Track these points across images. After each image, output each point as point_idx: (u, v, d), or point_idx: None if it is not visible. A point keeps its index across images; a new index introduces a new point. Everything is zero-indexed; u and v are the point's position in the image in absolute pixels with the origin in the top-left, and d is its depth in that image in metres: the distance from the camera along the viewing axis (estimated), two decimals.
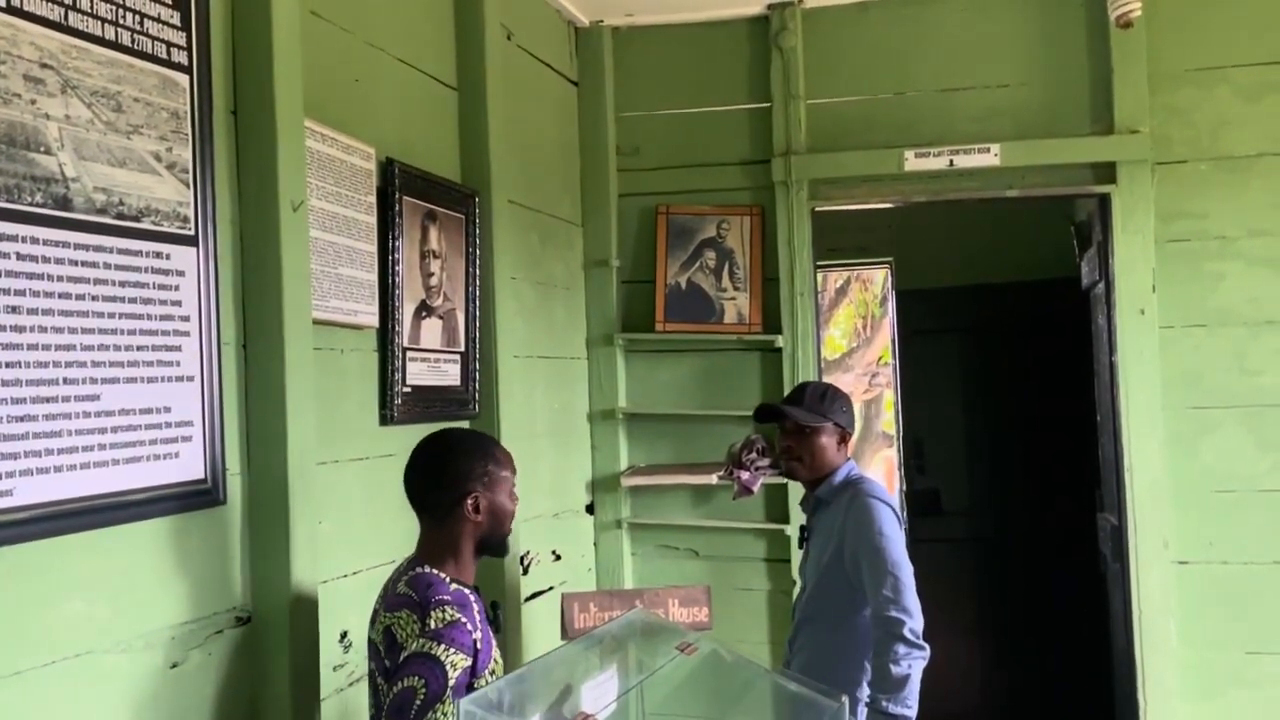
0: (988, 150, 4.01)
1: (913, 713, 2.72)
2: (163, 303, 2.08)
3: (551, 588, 3.82)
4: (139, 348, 2.02)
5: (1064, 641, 5.01)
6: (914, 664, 2.73)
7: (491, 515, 2.23)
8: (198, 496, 2.15)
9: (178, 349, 2.11)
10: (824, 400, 3.03)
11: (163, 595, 2.07)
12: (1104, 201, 3.97)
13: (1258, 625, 3.79)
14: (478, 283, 3.28)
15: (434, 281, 3.06)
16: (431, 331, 3.05)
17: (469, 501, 2.20)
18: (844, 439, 3.04)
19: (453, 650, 2.04)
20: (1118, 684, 4.22)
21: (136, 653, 2.00)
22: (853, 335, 13.62)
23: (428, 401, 3.02)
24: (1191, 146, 3.88)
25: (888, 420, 10.91)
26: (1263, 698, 3.77)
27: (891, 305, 5.87)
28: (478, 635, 2.11)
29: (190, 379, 2.13)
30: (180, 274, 2.12)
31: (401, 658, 2.04)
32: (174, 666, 2.08)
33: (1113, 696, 4.34)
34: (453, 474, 2.22)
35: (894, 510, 2.95)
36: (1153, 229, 3.88)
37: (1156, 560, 3.84)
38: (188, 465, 2.12)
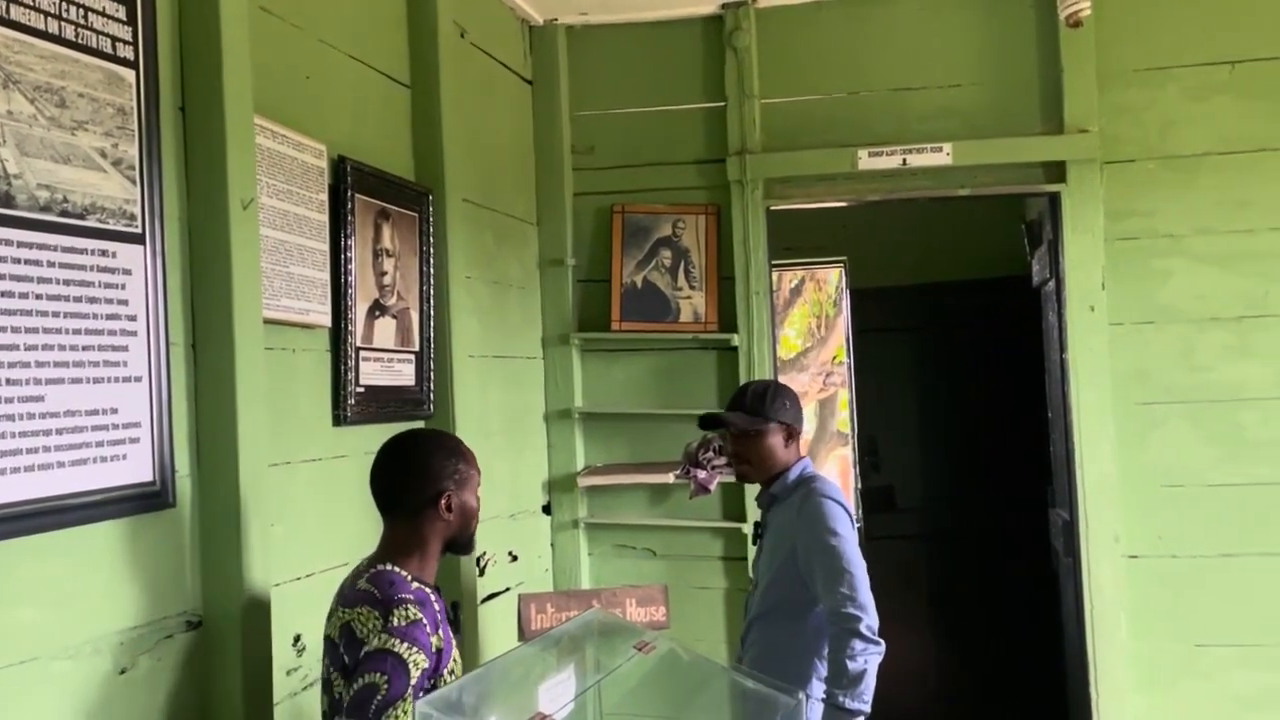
0: (940, 150, 4.04)
1: (868, 708, 2.74)
2: (109, 302, 2.04)
3: (508, 588, 3.80)
4: (85, 348, 1.98)
5: (1017, 635, 5.06)
6: (870, 659, 2.75)
7: (462, 514, 2.24)
8: (147, 499, 2.11)
9: (125, 349, 2.07)
10: (765, 400, 3.03)
11: (111, 600, 2.03)
12: (1054, 200, 4.01)
13: (1206, 617, 3.85)
14: (432, 282, 3.26)
15: (387, 280, 3.04)
16: (385, 331, 3.02)
17: (442, 500, 2.19)
18: (791, 435, 3.04)
19: (415, 649, 2.02)
20: (1070, 676, 4.27)
21: (84, 659, 1.96)
22: (807, 335, 13.70)
23: (381, 402, 2.99)
24: (1139, 146, 3.93)
25: (842, 419, 10.98)
26: (1211, 688, 3.83)
27: (846, 304, 5.90)
28: (437, 636, 2.09)
29: (138, 379, 2.10)
30: (127, 273, 2.08)
31: (362, 654, 2.02)
32: (123, 672, 2.04)
33: (1065, 689, 4.39)
34: (424, 473, 2.21)
35: (846, 509, 2.97)
36: (1102, 227, 3.93)
37: (1107, 554, 3.89)
38: (136, 467, 2.08)
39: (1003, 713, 5.11)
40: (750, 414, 3.01)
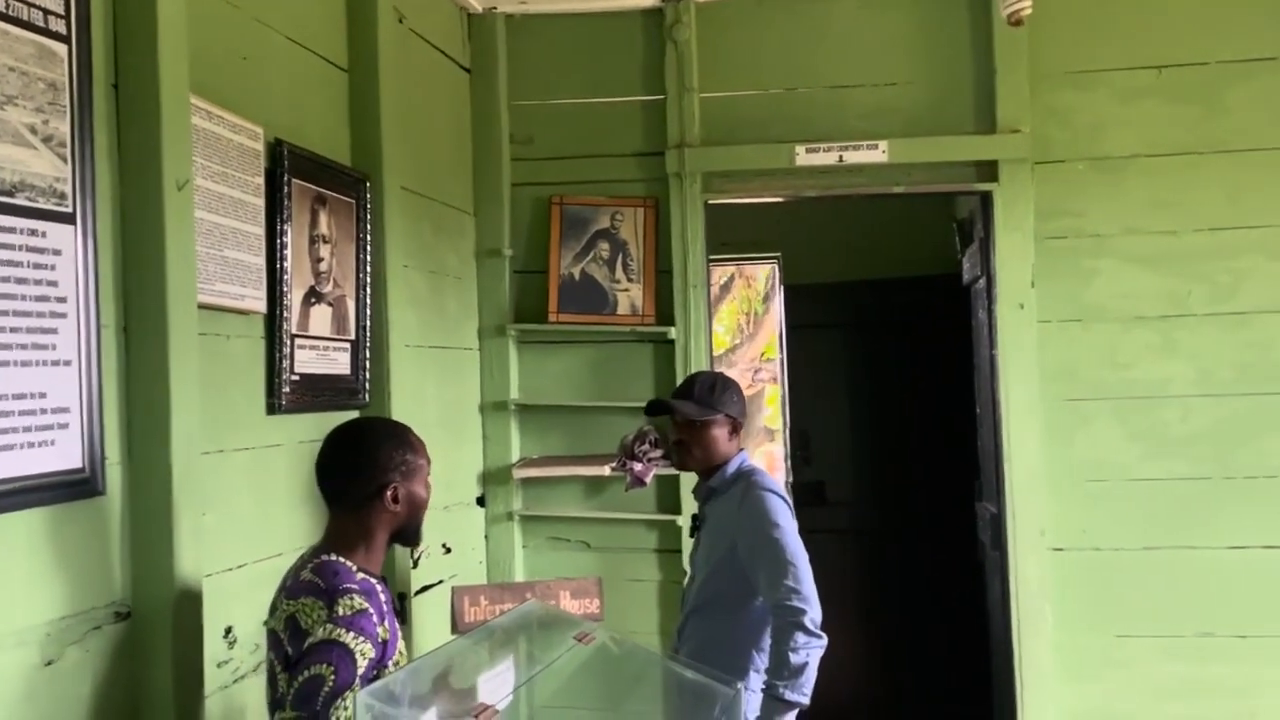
0: (876, 147, 4.08)
1: (807, 700, 2.76)
2: (38, 283, 1.97)
3: (441, 581, 3.76)
4: (12, 330, 1.92)
5: (945, 627, 5.14)
6: (812, 653, 2.77)
7: (409, 505, 2.21)
8: (75, 487, 2.05)
9: (54, 332, 2.01)
10: (714, 391, 3.06)
11: (37, 590, 1.97)
12: (986, 199, 4.08)
13: (1127, 609, 3.94)
14: (369, 269, 3.21)
15: (324, 267, 2.99)
16: (321, 318, 2.97)
17: (388, 492, 2.16)
18: (735, 429, 3.06)
19: (361, 639, 1.99)
20: (996, 666, 4.35)
21: (8, 650, 1.90)
22: (736, 331, 13.79)
23: (316, 390, 2.94)
24: (1070, 147, 4.01)
25: (770, 415, 11.07)
26: (1133, 677, 3.93)
27: (779, 299, 5.94)
28: (384, 627, 2.07)
29: (67, 363, 2.04)
30: (57, 253, 2.02)
31: (307, 644, 1.98)
32: (49, 664, 1.98)
33: (991, 678, 4.47)
34: (372, 464, 2.17)
35: (786, 501, 2.99)
36: (1032, 226, 4.00)
37: (1033, 547, 3.97)
38: (64, 454, 2.02)
39: (930, 703, 5.19)
40: (698, 403, 3.03)
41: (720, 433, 3.04)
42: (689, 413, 3.03)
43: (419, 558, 3.57)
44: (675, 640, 3.16)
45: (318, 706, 1.92)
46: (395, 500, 2.16)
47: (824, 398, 5.63)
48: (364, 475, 2.15)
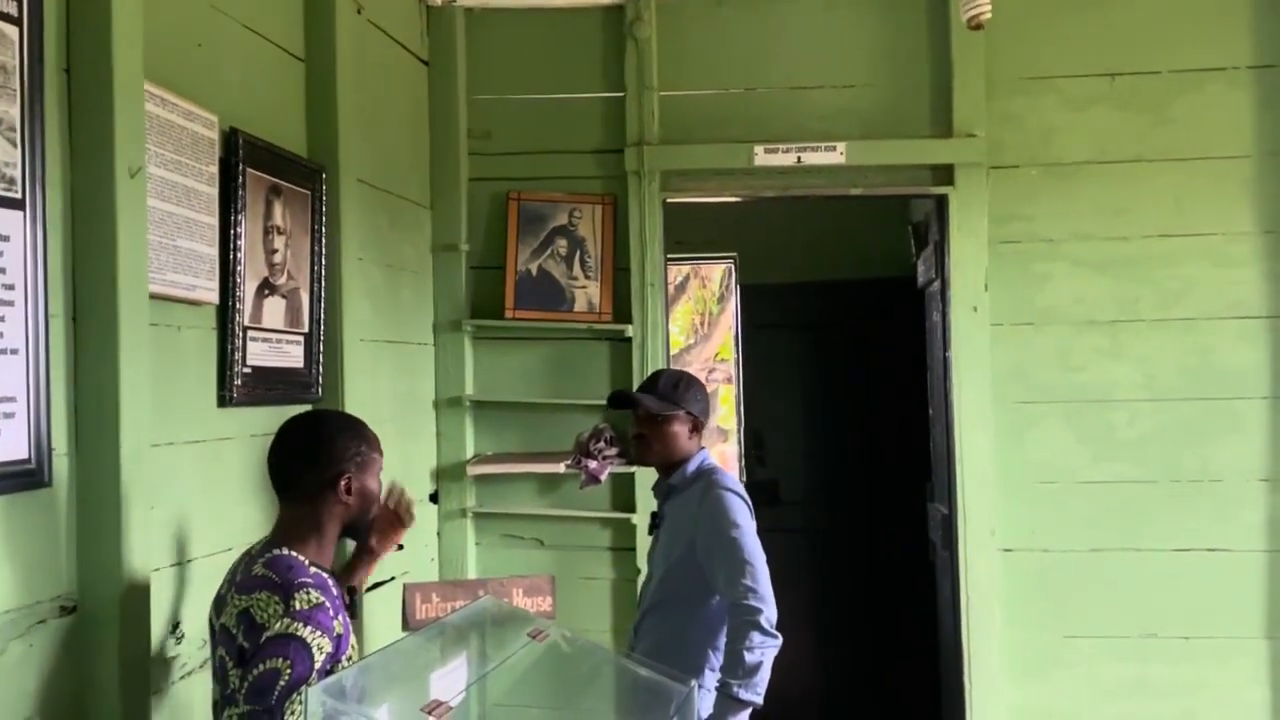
0: (834, 149, 4.10)
1: (761, 699, 2.77)
2: None
3: (393, 578, 3.72)
4: None
5: (896, 626, 5.18)
6: (767, 652, 2.78)
7: (361, 497, 2.19)
8: (20, 478, 2.00)
9: (0, 320, 1.96)
10: (677, 388, 3.06)
11: None
12: (941, 202, 4.12)
13: (1075, 610, 4.00)
14: (324, 262, 3.17)
15: (278, 259, 2.95)
16: (274, 311, 2.93)
17: (342, 482, 2.14)
18: (696, 428, 3.07)
19: (319, 633, 1.97)
20: (945, 666, 4.39)
21: None
22: (690, 331, 13.82)
23: (269, 383, 2.90)
24: (1023, 152, 4.06)
25: (724, 415, 11.11)
26: (1079, 677, 3.98)
27: (735, 299, 5.96)
28: (338, 621, 2.04)
29: (14, 352, 1.99)
30: (4, 239, 1.98)
31: (263, 638, 1.95)
32: None
33: (941, 678, 4.51)
34: (326, 454, 2.15)
35: (746, 501, 3.00)
36: (986, 230, 4.04)
37: (983, 548, 4.01)
38: (9, 444, 1.97)
39: (880, 701, 5.23)
40: (661, 398, 3.03)
41: (681, 429, 3.04)
42: (650, 407, 3.03)
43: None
44: (631, 638, 3.16)
45: (272, 700, 1.90)
46: (349, 492, 2.14)
47: (778, 398, 5.65)
48: (319, 465, 2.13)
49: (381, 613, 3.52)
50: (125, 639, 2.19)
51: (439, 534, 4.22)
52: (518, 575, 3.50)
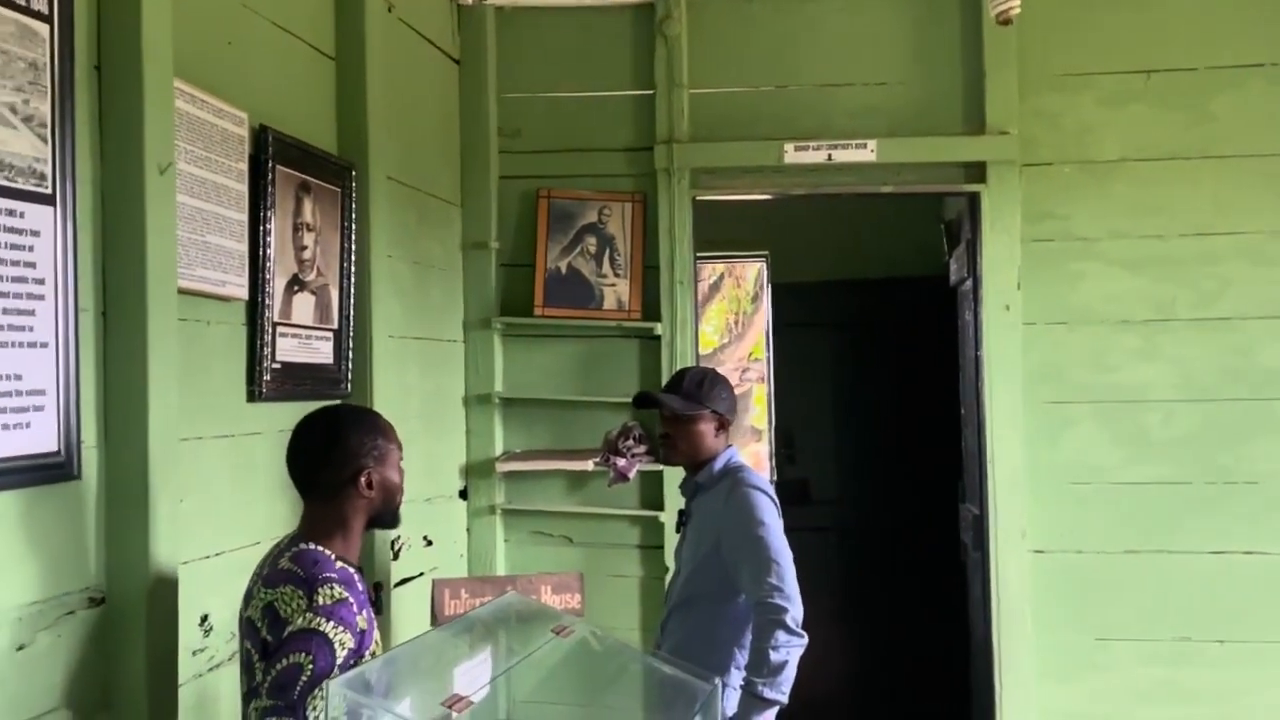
0: (864, 146, 4.08)
1: (785, 699, 2.75)
2: (15, 264, 1.96)
3: (422, 573, 3.75)
4: None
5: (926, 627, 5.14)
6: (792, 652, 2.77)
7: (383, 490, 2.20)
8: (50, 470, 2.03)
9: (31, 314, 1.99)
10: (702, 387, 3.05)
11: (8, 573, 1.95)
12: (974, 200, 4.08)
13: (1108, 612, 3.95)
14: (353, 259, 3.19)
15: (307, 255, 2.97)
16: (304, 307, 2.95)
17: (362, 479, 2.15)
18: (723, 426, 3.06)
19: (341, 629, 1.98)
20: (976, 668, 4.35)
21: None
22: (724, 331, 13.79)
23: (298, 379, 2.92)
24: (1057, 149, 4.01)
25: (757, 415, 11.07)
26: (1111, 680, 3.94)
27: (766, 297, 5.94)
28: (362, 616, 2.05)
29: (44, 345, 2.02)
30: (35, 234, 2.00)
31: (286, 633, 1.97)
32: (20, 649, 1.96)
33: (971, 680, 4.47)
34: (343, 452, 2.16)
35: (772, 499, 2.98)
36: (1019, 228, 4.00)
37: (1014, 549, 3.97)
38: (39, 436, 2.00)
39: (910, 703, 5.19)
40: (686, 398, 3.02)
41: (706, 428, 3.03)
42: (675, 407, 3.02)
43: (400, 550, 3.56)
44: (658, 635, 3.16)
45: (294, 696, 1.91)
46: (370, 486, 2.15)
47: (809, 397, 5.63)
48: (335, 464, 2.14)
49: (410, 608, 3.55)
50: (153, 631, 2.21)
51: (468, 530, 4.24)
52: (546, 572, 3.52)
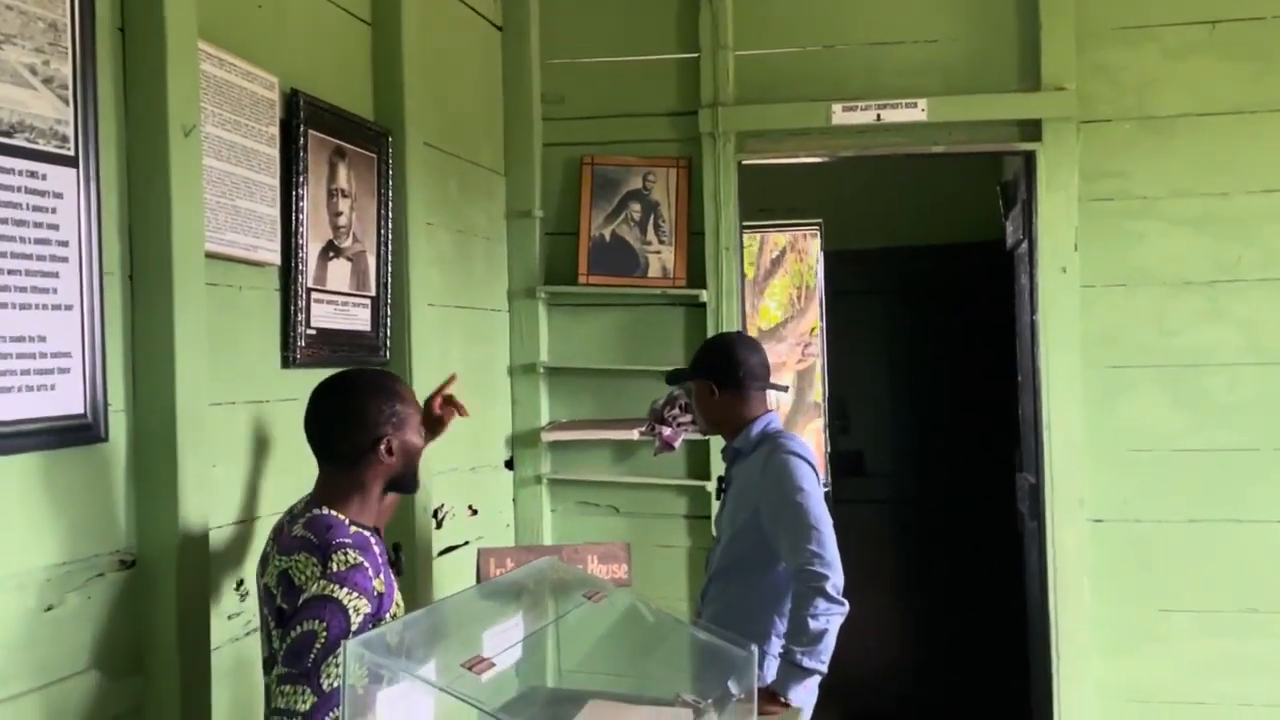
0: (915, 105, 3.97)
1: (824, 667, 2.70)
2: (38, 225, 1.96)
3: (467, 542, 3.74)
4: (10, 272, 1.90)
5: (982, 599, 5.04)
6: (832, 620, 2.71)
7: (405, 455, 2.19)
8: (76, 432, 2.03)
9: (55, 275, 1.99)
10: (696, 356, 3.13)
11: (37, 534, 1.96)
12: (1029, 159, 3.95)
13: (1169, 583, 3.82)
14: (390, 226, 3.17)
15: (342, 221, 2.95)
16: (339, 273, 2.94)
17: (382, 445, 2.13)
18: (715, 390, 3.00)
19: (355, 594, 1.97)
20: (1033, 640, 4.25)
21: (7, 593, 1.89)
22: (788, 305, 13.65)
23: (334, 345, 2.91)
24: (1116, 105, 3.87)
25: (820, 391, 10.94)
26: (1173, 653, 3.81)
27: (819, 265, 5.84)
28: (379, 580, 2.04)
29: (69, 308, 2.02)
30: (58, 196, 2.00)
31: (300, 600, 1.96)
32: (49, 610, 1.97)
33: (1028, 652, 4.37)
34: (360, 419, 2.15)
35: (812, 465, 2.92)
36: (1076, 187, 3.87)
37: (1072, 518, 3.86)
38: (65, 398, 2.00)
39: (966, 674, 5.10)
40: (690, 370, 3.10)
41: (702, 394, 3.05)
42: (668, 380, 3.23)
43: (443, 518, 3.55)
44: (698, 604, 3.12)
45: (309, 663, 1.89)
46: (390, 452, 2.14)
47: (864, 366, 5.53)
48: (354, 432, 2.13)
49: (455, 577, 3.54)
50: (184, 594, 2.21)
51: (514, 500, 4.22)
52: (592, 542, 3.48)
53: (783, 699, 2.65)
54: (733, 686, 2.34)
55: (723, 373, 2.99)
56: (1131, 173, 3.86)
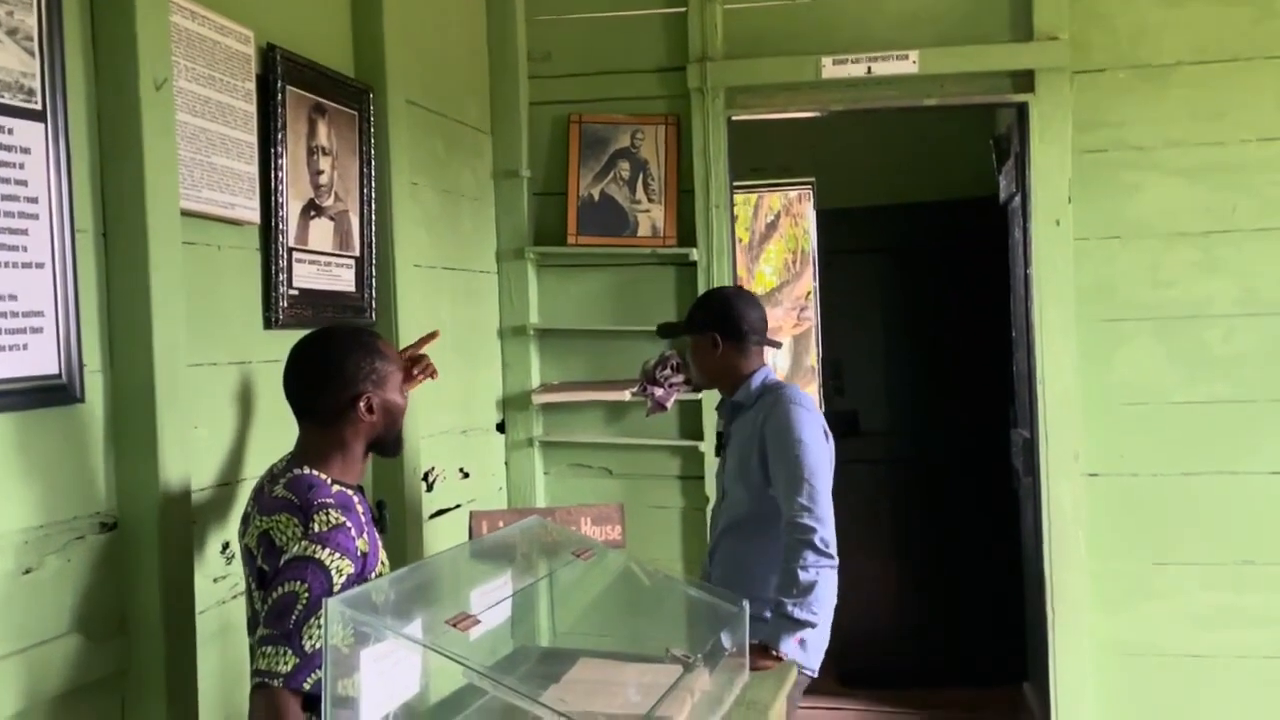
0: (906, 57, 3.91)
1: (817, 619, 2.67)
2: (5, 181, 1.91)
3: (459, 505, 3.72)
4: None
5: (979, 556, 5.03)
6: (822, 572, 2.68)
7: (385, 413, 2.15)
8: (51, 392, 1.99)
9: (24, 233, 1.94)
10: (691, 309, 3.09)
11: (10, 496, 1.92)
12: (1022, 111, 3.90)
13: (1164, 536, 3.81)
14: (374, 185, 3.12)
15: (323, 180, 2.90)
16: (321, 233, 2.89)
17: (361, 403, 2.09)
18: (718, 342, 2.96)
19: (338, 555, 1.94)
20: (1028, 595, 4.24)
21: None
22: (783, 269, 13.59)
23: (318, 306, 2.87)
24: (1110, 54, 3.81)
25: (815, 354, 10.91)
26: (1168, 607, 3.80)
27: (812, 225, 5.79)
28: (362, 539, 2.01)
29: (40, 266, 1.97)
30: (25, 151, 1.95)
31: (282, 561, 1.94)
32: (27, 572, 1.94)
33: (1024, 608, 4.36)
34: (339, 376, 2.11)
35: (816, 416, 2.88)
36: (1070, 139, 3.82)
37: (1067, 473, 3.84)
38: (38, 358, 1.96)
39: (963, 632, 5.09)
40: (686, 323, 3.05)
41: (701, 348, 3.01)
42: (661, 334, 3.20)
43: (434, 481, 3.52)
44: (707, 564, 3.09)
45: (290, 625, 1.87)
46: (370, 410, 2.10)
47: (857, 325, 5.48)
48: (333, 389, 2.09)
49: (447, 541, 3.52)
50: (167, 556, 2.18)
51: (506, 463, 4.20)
52: (586, 504, 3.46)
53: (775, 651, 2.63)
54: (725, 640, 2.31)
55: (726, 325, 2.96)
56: (1126, 123, 3.81)
